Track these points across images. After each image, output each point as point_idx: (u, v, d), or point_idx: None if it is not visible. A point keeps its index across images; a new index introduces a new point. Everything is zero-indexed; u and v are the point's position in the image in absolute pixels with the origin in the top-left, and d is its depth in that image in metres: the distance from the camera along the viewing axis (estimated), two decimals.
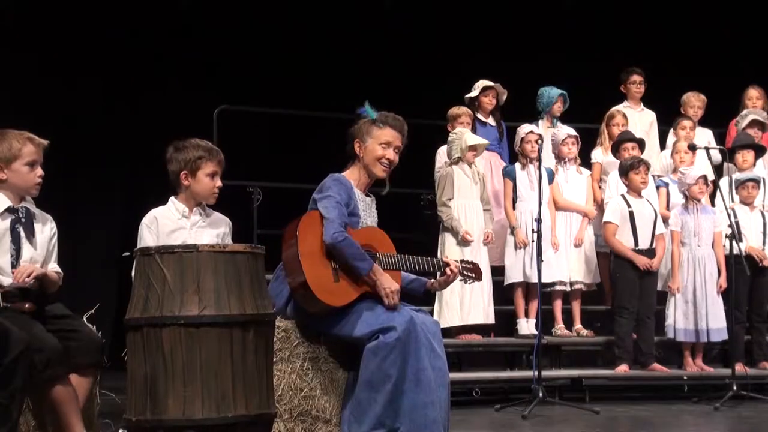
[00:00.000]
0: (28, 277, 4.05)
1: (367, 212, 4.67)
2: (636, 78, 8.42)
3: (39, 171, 4.19)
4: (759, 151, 7.93)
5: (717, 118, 8.71)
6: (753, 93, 8.51)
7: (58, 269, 4.29)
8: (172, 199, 4.53)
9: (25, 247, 4.14)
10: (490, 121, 7.98)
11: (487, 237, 7.25)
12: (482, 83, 7.96)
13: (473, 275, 4.78)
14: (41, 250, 4.21)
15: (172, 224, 4.45)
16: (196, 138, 4.54)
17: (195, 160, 4.43)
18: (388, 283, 4.41)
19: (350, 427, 4.37)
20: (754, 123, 8.16)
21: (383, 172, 4.63)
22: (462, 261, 4.81)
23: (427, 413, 4.29)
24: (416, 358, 4.30)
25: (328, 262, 4.39)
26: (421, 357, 4.31)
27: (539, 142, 6.91)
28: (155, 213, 4.48)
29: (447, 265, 4.66)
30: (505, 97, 8.03)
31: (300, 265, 4.29)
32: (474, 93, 7.94)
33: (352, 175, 4.65)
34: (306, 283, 4.29)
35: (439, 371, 4.36)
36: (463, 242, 7.13)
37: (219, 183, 4.48)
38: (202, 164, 4.44)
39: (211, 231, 4.50)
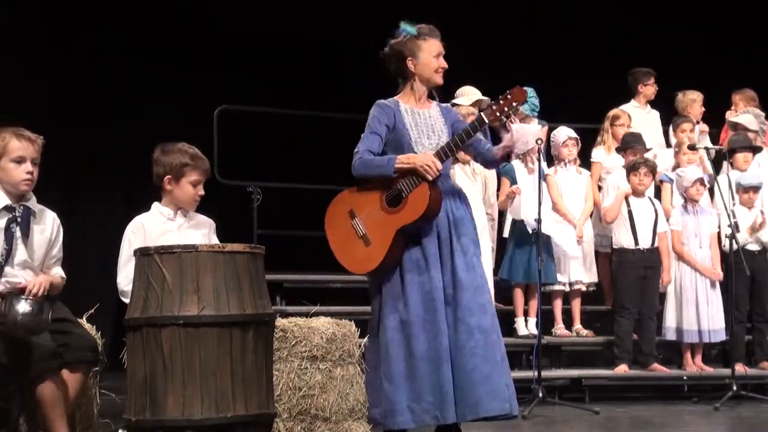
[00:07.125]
0: (39, 293, 3.97)
1: (424, 123, 4.67)
2: (653, 79, 8.44)
3: (27, 167, 4.08)
4: (756, 151, 7.93)
5: (712, 118, 8.70)
6: (749, 95, 8.49)
7: (62, 274, 4.24)
8: (155, 204, 4.51)
9: (20, 248, 4.05)
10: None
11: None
12: (474, 98, 7.73)
13: (513, 100, 4.50)
14: (39, 251, 4.13)
15: (159, 228, 4.43)
16: (184, 142, 4.51)
17: (181, 166, 4.41)
18: (421, 160, 4.45)
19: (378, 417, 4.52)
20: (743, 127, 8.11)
21: (441, 79, 4.74)
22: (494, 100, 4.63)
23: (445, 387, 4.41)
24: (434, 331, 4.40)
25: (354, 233, 4.54)
26: (440, 329, 4.41)
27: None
28: (141, 220, 4.46)
29: (483, 120, 4.50)
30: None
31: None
32: (465, 103, 7.80)
33: (402, 96, 4.72)
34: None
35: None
36: None
37: (201, 192, 4.46)
38: (187, 172, 4.41)
39: (197, 232, 4.49)
